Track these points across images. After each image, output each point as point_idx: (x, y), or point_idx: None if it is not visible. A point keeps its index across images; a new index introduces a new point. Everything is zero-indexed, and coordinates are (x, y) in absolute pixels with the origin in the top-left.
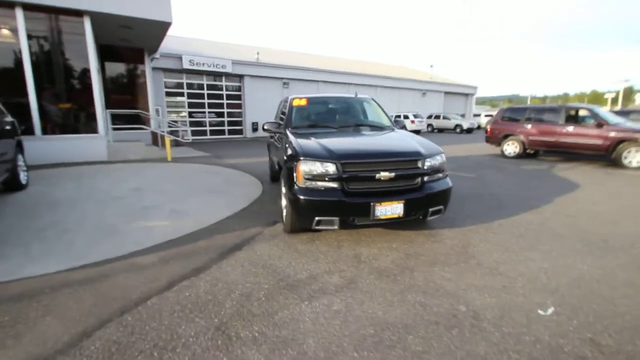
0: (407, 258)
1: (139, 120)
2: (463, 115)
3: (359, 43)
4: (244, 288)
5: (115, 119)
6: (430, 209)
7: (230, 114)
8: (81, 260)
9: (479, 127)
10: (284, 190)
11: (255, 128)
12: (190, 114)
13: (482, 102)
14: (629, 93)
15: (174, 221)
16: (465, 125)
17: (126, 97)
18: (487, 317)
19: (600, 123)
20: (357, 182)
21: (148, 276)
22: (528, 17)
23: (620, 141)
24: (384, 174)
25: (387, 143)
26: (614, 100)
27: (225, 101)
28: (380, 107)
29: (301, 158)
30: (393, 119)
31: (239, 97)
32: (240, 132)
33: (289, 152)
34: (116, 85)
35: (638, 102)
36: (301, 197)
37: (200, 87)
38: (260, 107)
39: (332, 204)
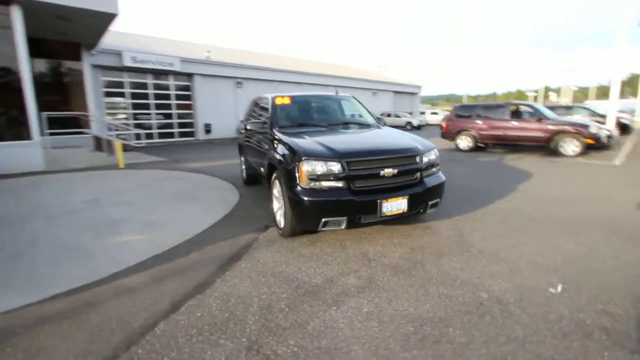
0: (413, 252)
1: (78, 124)
2: (411, 113)
3: (312, 44)
4: (261, 300)
5: (50, 122)
6: (430, 202)
7: (179, 115)
8: (52, 288)
9: (426, 124)
10: (276, 192)
11: (208, 130)
12: (135, 116)
13: (422, 101)
14: (545, 91)
15: (151, 234)
16: (415, 123)
17: (58, 98)
18: (510, 300)
19: (540, 118)
20: (362, 180)
21: (145, 299)
22: (463, 20)
23: (557, 133)
24: (387, 171)
25: (385, 140)
26: (535, 99)
27: (173, 101)
28: (362, 105)
29: (303, 158)
30: None
31: (188, 97)
32: (191, 134)
33: (285, 152)
34: (48, 85)
35: (552, 99)
36: (306, 198)
37: (145, 86)
38: (213, 108)
39: (339, 204)
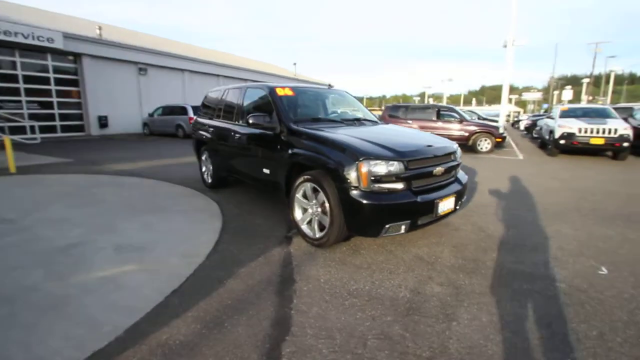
0: (459, 251)
1: None
2: None
3: (224, 38)
4: (369, 330)
5: None
6: (462, 199)
7: (62, 105)
8: None
9: None
10: (300, 197)
11: (103, 123)
12: None
13: None
14: (425, 97)
15: (142, 263)
16: None
17: None
18: (585, 287)
19: (462, 120)
20: (419, 180)
21: (220, 358)
22: (356, 29)
23: (475, 133)
24: (438, 169)
25: (424, 139)
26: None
27: (53, 87)
28: (356, 100)
29: (362, 158)
30: None
31: (75, 83)
32: (80, 128)
33: (327, 150)
34: None
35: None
36: (368, 202)
37: (12, 66)
38: (109, 98)
39: (405, 207)
